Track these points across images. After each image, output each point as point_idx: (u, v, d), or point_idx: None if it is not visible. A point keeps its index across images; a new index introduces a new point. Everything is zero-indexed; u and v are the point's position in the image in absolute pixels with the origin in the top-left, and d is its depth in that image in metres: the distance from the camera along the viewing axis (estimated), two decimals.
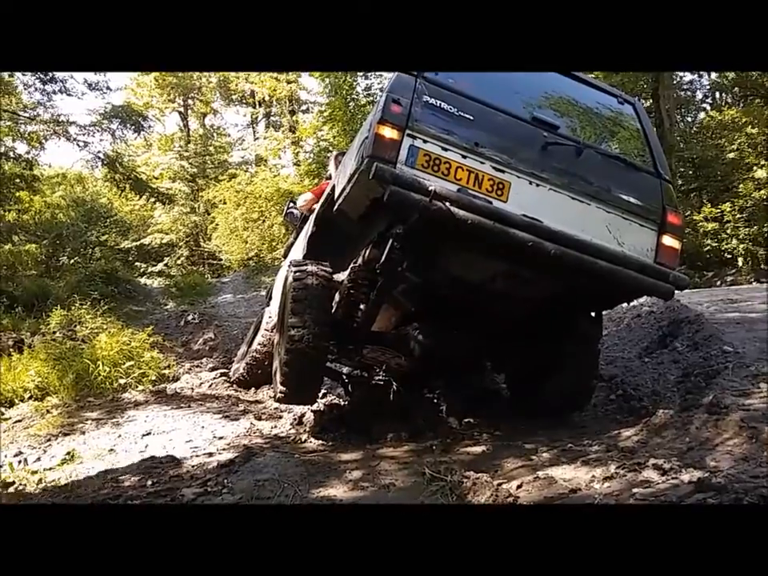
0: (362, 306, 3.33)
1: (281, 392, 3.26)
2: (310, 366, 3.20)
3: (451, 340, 3.53)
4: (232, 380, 5.38)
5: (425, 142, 2.78)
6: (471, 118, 2.88)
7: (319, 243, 3.77)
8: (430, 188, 2.59)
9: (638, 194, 3.10)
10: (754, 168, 11.95)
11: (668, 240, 3.12)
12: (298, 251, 4.34)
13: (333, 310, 3.33)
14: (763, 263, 11.21)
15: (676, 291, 3.10)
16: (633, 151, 3.28)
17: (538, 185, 2.92)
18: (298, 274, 3.23)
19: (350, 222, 3.22)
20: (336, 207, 3.20)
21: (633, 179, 3.14)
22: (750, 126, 12.67)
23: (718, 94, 17.26)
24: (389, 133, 2.73)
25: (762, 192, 11.55)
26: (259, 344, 4.99)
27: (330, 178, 4.73)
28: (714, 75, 15.58)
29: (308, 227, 4.11)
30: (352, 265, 3.23)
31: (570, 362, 3.41)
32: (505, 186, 2.85)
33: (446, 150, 2.80)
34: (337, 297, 3.36)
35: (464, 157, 2.82)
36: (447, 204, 2.60)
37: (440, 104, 2.84)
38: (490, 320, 3.43)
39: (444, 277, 3.13)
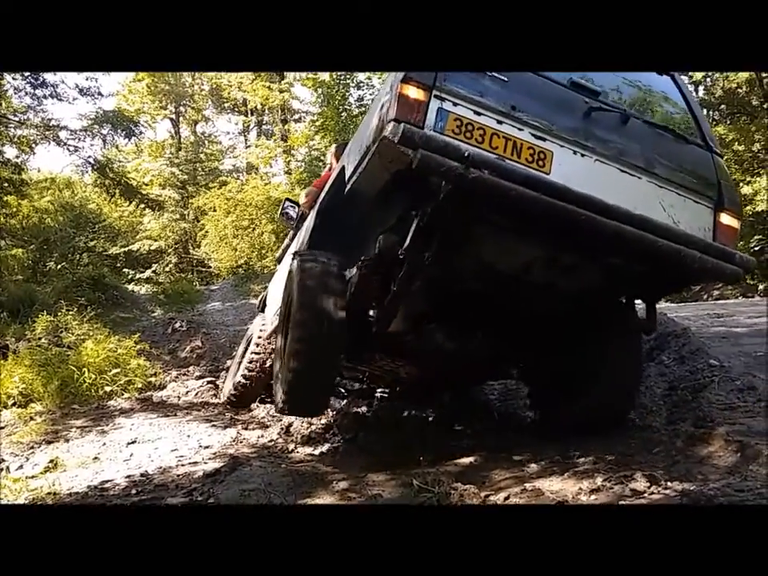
0: (374, 305, 2.99)
1: (284, 401, 2.86)
2: (324, 368, 2.85)
3: (473, 344, 3.17)
4: (222, 401, 5.04)
5: (455, 104, 2.42)
6: (505, 79, 2.52)
7: (322, 239, 3.36)
8: (466, 153, 2.21)
9: (690, 167, 2.77)
10: (741, 184, 12.11)
11: (726, 218, 2.78)
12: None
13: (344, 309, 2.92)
14: (749, 278, 11.33)
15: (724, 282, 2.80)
16: (678, 124, 2.94)
17: (583, 155, 2.58)
18: (306, 263, 2.90)
19: (361, 208, 2.89)
20: (348, 188, 2.82)
21: (683, 152, 2.81)
22: (736, 143, 12.86)
23: (705, 111, 17.54)
24: (414, 93, 2.36)
25: (749, 208, 11.70)
26: (249, 361, 4.69)
27: (330, 168, 4.45)
28: (701, 93, 15.82)
29: (309, 222, 3.76)
30: (364, 257, 2.83)
31: (614, 365, 3.05)
32: (546, 156, 2.50)
33: (478, 114, 2.44)
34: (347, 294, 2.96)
35: (499, 122, 2.46)
36: (486, 172, 2.21)
37: None
38: (521, 320, 3.05)
39: (472, 266, 2.75)
